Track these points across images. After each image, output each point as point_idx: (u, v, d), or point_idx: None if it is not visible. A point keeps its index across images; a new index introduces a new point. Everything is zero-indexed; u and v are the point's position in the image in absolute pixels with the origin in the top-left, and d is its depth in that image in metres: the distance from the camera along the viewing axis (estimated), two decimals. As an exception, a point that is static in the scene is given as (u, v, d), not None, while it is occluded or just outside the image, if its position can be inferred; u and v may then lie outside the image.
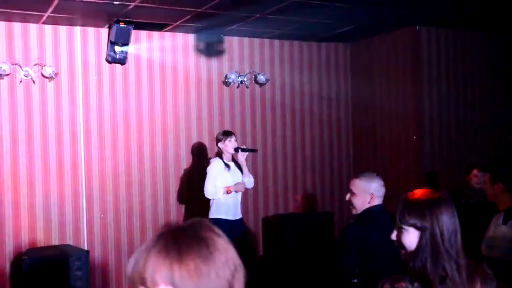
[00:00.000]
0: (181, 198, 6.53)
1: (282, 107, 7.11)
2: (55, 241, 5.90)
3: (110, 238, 6.16)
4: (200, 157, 6.51)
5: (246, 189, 5.60)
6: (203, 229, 1.18)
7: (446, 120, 6.61)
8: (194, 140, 6.59)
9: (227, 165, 5.40)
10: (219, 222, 5.23)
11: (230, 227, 5.29)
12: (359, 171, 3.56)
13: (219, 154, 5.45)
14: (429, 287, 1.86)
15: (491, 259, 3.28)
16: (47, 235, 5.87)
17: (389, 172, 6.84)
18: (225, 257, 1.15)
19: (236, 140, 5.46)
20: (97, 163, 6.12)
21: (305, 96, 7.26)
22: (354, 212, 3.35)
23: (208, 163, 5.61)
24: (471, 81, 6.80)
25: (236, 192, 5.38)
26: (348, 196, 3.36)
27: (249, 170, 5.58)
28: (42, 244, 5.81)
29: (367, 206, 3.25)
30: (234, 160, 5.46)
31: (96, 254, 6.04)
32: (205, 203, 5.52)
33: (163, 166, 6.44)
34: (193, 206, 6.43)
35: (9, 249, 5.72)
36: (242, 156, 5.39)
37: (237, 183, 5.37)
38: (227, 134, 5.46)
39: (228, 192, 5.32)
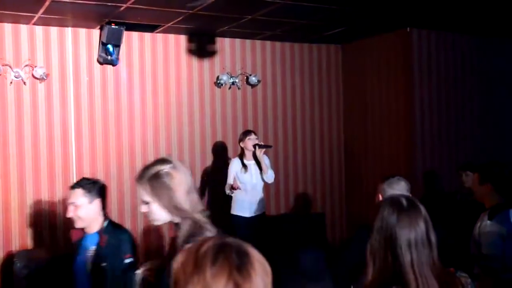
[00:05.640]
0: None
1: (273, 109, 7.12)
2: (46, 243, 5.86)
3: (101, 240, 6.13)
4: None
5: (267, 185, 5.79)
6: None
7: (437, 121, 6.65)
8: (186, 141, 6.58)
9: (244, 165, 5.62)
10: (236, 218, 5.66)
11: (245, 223, 5.61)
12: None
13: (241, 154, 5.70)
14: None
15: (478, 257, 3.29)
16: (37, 238, 5.83)
17: (381, 174, 6.86)
18: None
19: (257, 138, 5.68)
20: (88, 165, 6.09)
21: (297, 97, 7.27)
22: None
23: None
24: (461, 83, 6.85)
25: (238, 189, 5.51)
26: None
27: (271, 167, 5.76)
28: (32, 247, 5.77)
29: None
30: (256, 159, 5.62)
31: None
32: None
33: (155, 167, 6.41)
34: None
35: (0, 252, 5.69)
36: (259, 152, 5.57)
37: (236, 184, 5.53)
38: (246, 133, 5.73)
39: (234, 188, 5.49)
